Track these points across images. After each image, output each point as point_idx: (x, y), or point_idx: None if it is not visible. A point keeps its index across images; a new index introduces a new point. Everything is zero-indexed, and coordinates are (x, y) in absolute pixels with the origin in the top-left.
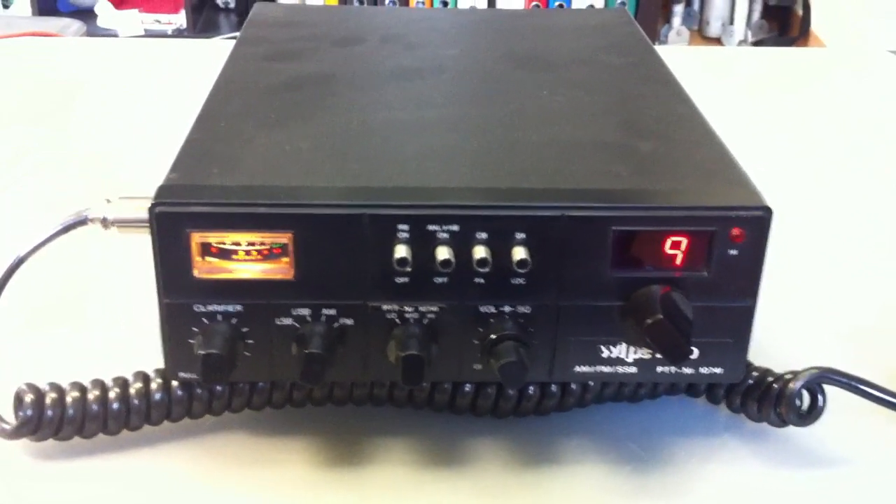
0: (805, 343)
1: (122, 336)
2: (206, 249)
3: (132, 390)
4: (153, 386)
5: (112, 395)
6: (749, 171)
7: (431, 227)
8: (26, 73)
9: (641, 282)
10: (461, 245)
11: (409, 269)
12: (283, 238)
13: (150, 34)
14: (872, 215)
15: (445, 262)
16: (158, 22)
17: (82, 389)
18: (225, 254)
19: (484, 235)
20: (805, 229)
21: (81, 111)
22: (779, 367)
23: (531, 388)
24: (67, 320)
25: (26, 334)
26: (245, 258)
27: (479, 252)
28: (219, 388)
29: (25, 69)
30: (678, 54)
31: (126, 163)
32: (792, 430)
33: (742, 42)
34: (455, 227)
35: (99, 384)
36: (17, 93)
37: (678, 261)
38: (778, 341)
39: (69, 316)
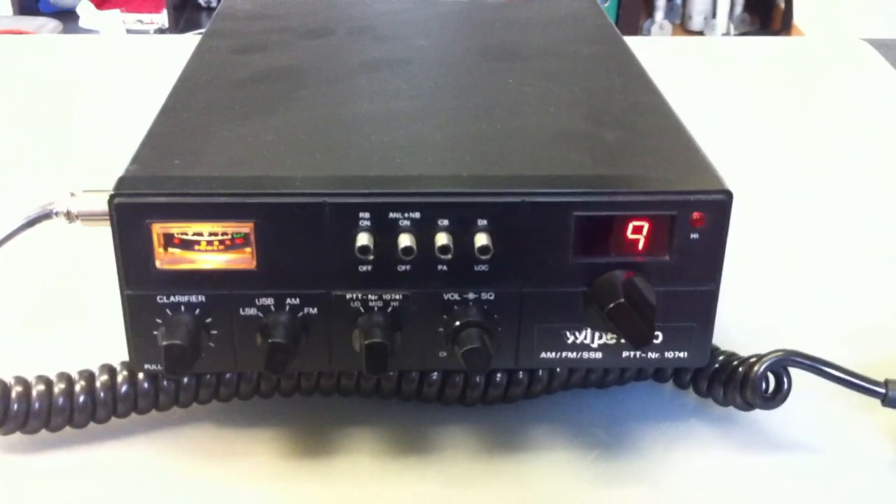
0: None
1: (112, 329)
2: (168, 240)
3: (98, 383)
4: (119, 378)
5: (78, 388)
6: (730, 159)
7: (393, 215)
8: (22, 73)
9: (604, 267)
10: (423, 232)
11: (371, 258)
12: (245, 227)
13: (132, 34)
14: (856, 204)
15: (407, 250)
16: (140, 22)
17: (48, 383)
18: (187, 244)
19: (446, 222)
20: (785, 218)
21: (81, 110)
22: None
23: (498, 375)
24: (56, 315)
25: (15, 332)
26: (207, 248)
27: (441, 239)
28: (185, 379)
29: (20, 68)
30: (661, 44)
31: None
32: (758, 413)
33: (724, 36)
34: (416, 215)
35: (65, 377)
36: (16, 93)
37: (640, 246)
38: (765, 336)
39: (57, 310)
